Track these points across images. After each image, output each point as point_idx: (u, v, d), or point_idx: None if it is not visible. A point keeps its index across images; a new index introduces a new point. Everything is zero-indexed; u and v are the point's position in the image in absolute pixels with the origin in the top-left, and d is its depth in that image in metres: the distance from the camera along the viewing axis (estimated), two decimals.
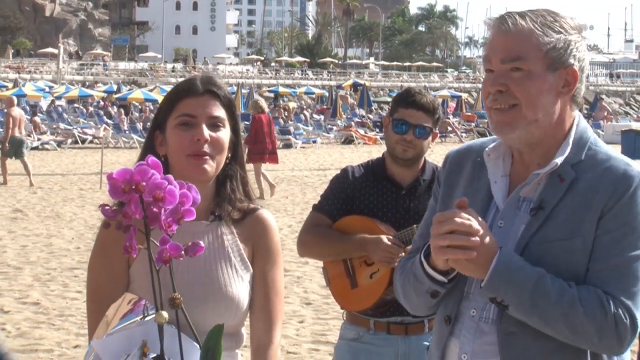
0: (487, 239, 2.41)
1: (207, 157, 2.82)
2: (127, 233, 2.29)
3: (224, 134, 2.87)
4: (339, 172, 4.35)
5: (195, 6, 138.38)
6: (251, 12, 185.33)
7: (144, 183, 2.26)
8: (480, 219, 2.43)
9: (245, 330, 2.94)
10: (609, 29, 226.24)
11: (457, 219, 2.38)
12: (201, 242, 2.35)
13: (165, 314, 2.31)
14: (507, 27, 2.50)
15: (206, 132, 2.81)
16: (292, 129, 39.09)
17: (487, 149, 2.61)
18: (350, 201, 4.21)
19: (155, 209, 2.26)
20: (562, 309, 2.39)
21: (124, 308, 2.64)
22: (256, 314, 2.93)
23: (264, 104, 20.82)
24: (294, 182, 23.10)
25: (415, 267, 2.59)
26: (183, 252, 2.30)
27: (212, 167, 2.83)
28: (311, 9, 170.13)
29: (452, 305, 2.59)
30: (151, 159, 2.28)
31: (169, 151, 2.85)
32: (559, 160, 2.49)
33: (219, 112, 2.87)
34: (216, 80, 2.94)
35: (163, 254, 2.29)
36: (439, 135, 4.40)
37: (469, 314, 2.56)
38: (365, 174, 4.25)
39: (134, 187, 2.27)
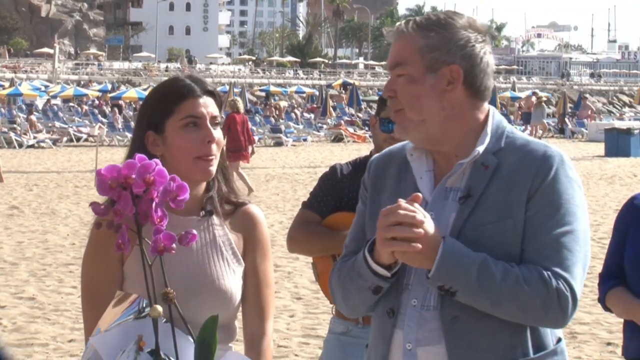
0: (432, 230, 2.49)
1: (213, 158, 2.87)
2: (119, 231, 2.33)
3: (221, 133, 2.92)
4: (327, 169, 4.41)
5: (188, 7, 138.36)
6: (243, 13, 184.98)
7: (133, 175, 2.29)
8: (424, 211, 2.50)
9: (238, 324, 2.99)
10: (592, 29, 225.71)
11: (401, 211, 2.46)
12: (194, 231, 2.42)
13: (159, 307, 2.36)
14: (396, 35, 2.65)
15: (214, 133, 2.86)
16: (283, 127, 39.19)
17: (409, 149, 2.71)
18: (338, 198, 4.25)
19: (145, 206, 2.30)
20: (508, 289, 2.47)
21: (120, 305, 2.64)
22: (249, 307, 2.98)
23: (240, 105, 20.92)
24: (285, 180, 23.09)
25: (358, 263, 2.63)
26: (177, 240, 2.36)
27: (215, 167, 2.89)
28: (302, 9, 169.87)
29: (394, 298, 2.64)
30: (139, 155, 2.33)
31: (171, 152, 2.86)
32: (480, 149, 2.60)
33: (217, 111, 2.91)
34: (204, 79, 2.98)
35: (157, 243, 2.34)
36: None
37: (411, 304, 2.61)
38: (353, 171, 4.28)
39: (122, 182, 2.30)
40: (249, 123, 20.68)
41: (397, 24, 2.70)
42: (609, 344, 8.18)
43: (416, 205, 2.49)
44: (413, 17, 2.69)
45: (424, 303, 2.60)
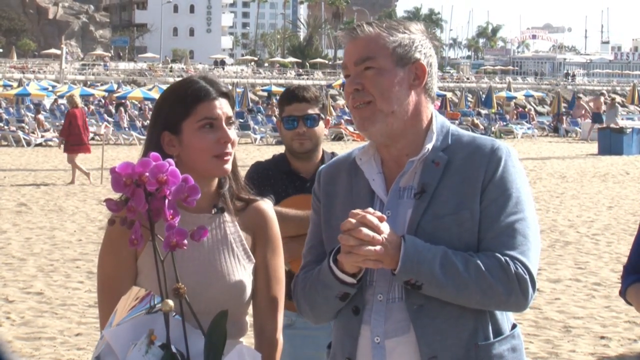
0: (389, 232, 2.58)
1: (230, 156, 2.91)
2: (132, 227, 2.39)
3: (234, 132, 2.96)
4: (250, 167, 4.39)
5: (192, 9, 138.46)
6: (245, 15, 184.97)
7: (147, 173, 2.35)
8: (378, 212, 2.60)
9: (248, 319, 3.02)
10: (586, 31, 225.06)
11: (362, 229, 2.54)
12: (206, 227, 2.53)
13: (171, 302, 2.43)
14: (356, 35, 2.74)
15: (231, 134, 2.90)
16: None
17: (357, 154, 2.83)
18: (272, 186, 4.22)
19: (158, 203, 2.36)
20: (471, 278, 2.57)
21: (133, 300, 2.66)
22: (259, 301, 3.01)
23: (78, 100, 22.24)
24: None
25: (324, 274, 2.70)
26: (189, 236, 2.45)
27: (230, 164, 2.93)
28: (302, 11, 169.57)
29: (358, 296, 2.71)
30: (153, 154, 2.40)
31: (188, 152, 2.89)
32: (429, 146, 2.71)
33: (230, 111, 2.94)
34: (219, 80, 3.01)
35: (170, 239, 2.40)
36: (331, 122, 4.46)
37: (376, 299, 2.70)
38: (273, 167, 4.33)
39: (136, 179, 2.36)
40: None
41: (356, 24, 2.78)
42: (602, 337, 8.20)
43: (369, 210, 2.59)
44: (365, 22, 2.79)
45: (389, 297, 2.69)
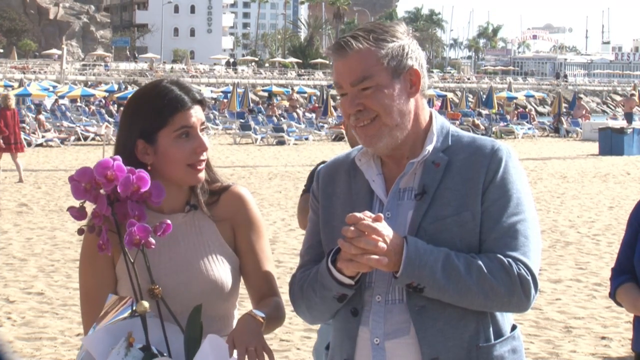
0: (391, 235, 2.56)
1: (204, 165, 2.93)
2: (100, 233, 2.45)
3: (207, 136, 2.97)
4: (314, 167, 4.43)
5: (192, 9, 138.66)
6: (246, 15, 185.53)
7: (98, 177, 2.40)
8: (369, 213, 2.58)
9: (237, 313, 3.02)
10: (587, 31, 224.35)
11: (364, 240, 2.53)
12: (168, 220, 2.54)
13: (145, 303, 2.45)
14: (345, 52, 2.66)
15: (206, 141, 2.91)
16: (285, 126, 39.54)
17: (356, 155, 2.81)
18: None
19: (122, 205, 2.40)
20: (473, 280, 2.57)
21: (113, 307, 2.66)
22: (253, 283, 3.01)
23: (11, 101, 22.35)
24: (287, 178, 22.87)
25: (322, 275, 2.69)
26: (153, 231, 2.49)
27: (204, 172, 2.95)
28: (303, 12, 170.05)
29: (357, 297, 2.70)
30: (104, 159, 2.46)
31: (164, 161, 2.88)
32: (429, 147, 2.71)
33: (203, 117, 2.96)
34: (190, 85, 2.99)
35: (132, 236, 2.44)
36: None
37: (375, 300, 2.69)
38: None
39: (96, 185, 2.42)
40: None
41: (342, 40, 2.71)
42: (603, 337, 8.23)
43: (367, 214, 2.57)
44: (350, 35, 2.72)
45: (388, 298, 2.69)
